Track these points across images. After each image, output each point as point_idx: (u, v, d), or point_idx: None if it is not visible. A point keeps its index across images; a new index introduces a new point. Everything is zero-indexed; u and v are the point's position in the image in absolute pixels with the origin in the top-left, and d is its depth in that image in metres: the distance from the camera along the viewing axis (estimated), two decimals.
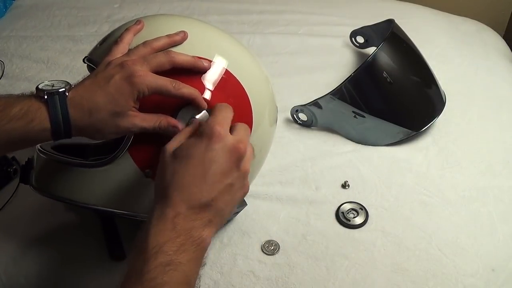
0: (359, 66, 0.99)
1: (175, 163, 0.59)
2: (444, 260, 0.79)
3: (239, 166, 0.60)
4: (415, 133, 1.00)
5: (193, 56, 0.68)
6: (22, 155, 0.84)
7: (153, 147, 0.66)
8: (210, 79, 0.69)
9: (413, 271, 0.77)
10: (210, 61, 0.70)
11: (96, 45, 0.74)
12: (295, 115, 1.04)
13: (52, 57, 1.26)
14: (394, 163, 0.96)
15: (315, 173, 0.94)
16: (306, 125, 1.04)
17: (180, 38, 0.69)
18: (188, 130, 0.63)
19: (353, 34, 1.28)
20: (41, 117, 0.61)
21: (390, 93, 1.01)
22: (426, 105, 1.04)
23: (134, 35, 0.70)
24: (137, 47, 0.67)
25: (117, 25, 0.77)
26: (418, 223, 0.84)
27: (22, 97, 0.63)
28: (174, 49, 0.68)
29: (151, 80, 0.63)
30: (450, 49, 1.30)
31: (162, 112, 0.66)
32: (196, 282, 0.57)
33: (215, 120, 0.61)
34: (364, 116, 0.98)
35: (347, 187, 0.91)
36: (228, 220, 0.83)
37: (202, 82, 0.68)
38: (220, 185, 0.59)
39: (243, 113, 0.72)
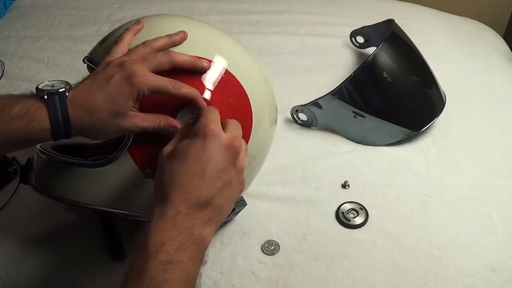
0: (359, 66, 0.99)
1: (172, 164, 0.60)
2: (444, 260, 0.79)
3: (235, 163, 0.61)
4: (415, 133, 1.00)
5: (193, 56, 0.68)
6: (22, 155, 0.84)
7: (153, 147, 0.66)
8: (210, 79, 0.69)
9: (413, 271, 0.77)
10: (210, 61, 0.70)
11: (96, 45, 0.74)
12: (295, 115, 1.04)
13: (52, 57, 1.26)
14: (394, 163, 0.96)
15: (315, 173, 0.94)
16: (306, 125, 1.04)
17: (180, 38, 0.69)
18: (182, 132, 0.63)
19: (353, 34, 1.28)
20: (41, 117, 0.61)
21: (390, 93, 1.01)
22: (426, 105, 1.04)
23: (134, 35, 0.70)
24: (137, 47, 0.67)
25: (117, 25, 0.77)
26: (418, 223, 0.84)
27: (22, 97, 0.63)
28: (174, 49, 0.68)
29: (151, 80, 0.63)
30: (450, 49, 1.30)
31: (162, 112, 0.66)
32: (197, 280, 0.57)
33: (207, 119, 0.62)
34: (364, 116, 0.98)
35: (347, 187, 0.91)
36: (228, 220, 0.83)
37: (202, 82, 0.68)
38: (219, 183, 0.60)
39: (243, 113, 0.72)
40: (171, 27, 0.71)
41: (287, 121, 1.05)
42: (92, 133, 0.65)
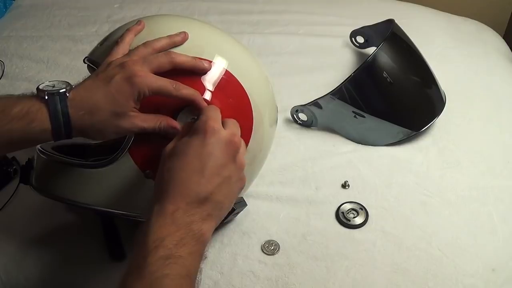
0: (359, 66, 0.99)
1: (172, 161, 0.60)
2: (444, 260, 0.79)
3: (235, 159, 0.62)
4: (415, 133, 1.00)
5: (194, 57, 0.68)
6: (22, 155, 0.84)
7: (153, 148, 0.66)
8: (210, 79, 0.69)
9: (413, 271, 0.77)
10: (210, 62, 0.70)
11: (97, 45, 0.74)
12: (295, 115, 1.04)
13: (52, 57, 1.26)
14: (394, 163, 0.96)
15: (315, 173, 0.94)
16: (306, 125, 1.04)
17: (180, 38, 0.69)
18: (183, 131, 0.64)
19: (353, 34, 1.28)
20: (41, 118, 0.61)
21: (390, 93, 1.01)
22: (426, 105, 1.04)
23: (135, 35, 0.71)
24: (137, 47, 0.67)
25: (117, 25, 0.77)
26: (418, 223, 0.84)
27: (23, 97, 0.63)
28: (175, 50, 0.68)
29: (151, 81, 0.63)
30: (450, 49, 1.30)
31: (162, 113, 0.66)
32: (198, 276, 0.57)
33: (207, 117, 0.62)
34: (364, 116, 0.98)
35: (347, 187, 0.91)
36: (229, 221, 0.83)
37: (202, 83, 0.69)
38: (218, 178, 0.60)
39: (244, 114, 0.72)
40: (171, 27, 0.71)
41: (287, 121, 1.05)
42: (93, 133, 0.65)
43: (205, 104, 0.67)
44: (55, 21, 1.42)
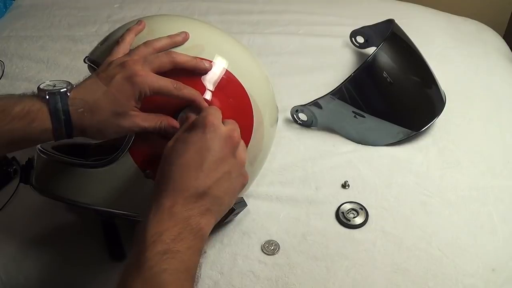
0: (359, 66, 0.99)
1: (171, 155, 0.60)
2: (444, 260, 0.79)
3: (234, 154, 0.62)
4: (415, 133, 1.00)
5: (195, 57, 0.68)
6: (22, 155, 0.84)
7: (154, 148, 0.66)
8: (211, 79, 0.69)
9: (413, 271, 0.77)
10: (211, 62, 0.70)
11: (97, 45, 0.75)
12: (295, 115, 1.04)
13: (52, 57, 1.26)
14: (394, 163, 0.96)
15: (315, 173, 0.94)
16: (306, 125, 1.04)
17: (181, 38, 0.69)
18: (185, 126, 0.64)
19: (353, 34, 1.28)
20: (42, 117, 0.61)
21: (390, 93, 1.01)
22: (426, 105, 1.04)
23: (136, 35, 0.71)
24: (138, 47, 0.67)
25: (117, 25, 0.77)
26: (418, 223, 0.84)
27: (24, 97, 0.63)
28: (175, 50, 0.68)
29: (152, 81, 0.63)
30: (450, 49, 1.30)
31: (163, 113, 0.66)
32: (197, 271, 0.57)
33: (207, 112, 0.62)
34: (364, 116, 0.98)
35: (347, 187, 0.91)
36: (229, 221, 0.83)
37: (203, 83, 0.69)
38: (217, 173, 0.60)
39: (244, 114, 0.72)
40: (172, 27, 0.71)
41: (287, 121, 1.05)
42: (93, 133, 0.65)
43: (206, 104, 0.67)
44: (55, 21, 1.42)
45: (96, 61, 0.71)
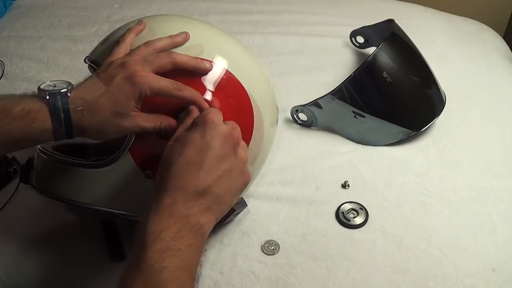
0: (359, 66, 0.99)
1: (171, 154, 0.60)
2: (444, 260, 0.79)
3: (235, 152, 0.61)
4: (415, 133, 1.00)
5: (195, 57, 0.68)
6: (22, 155, 0.84)
7: (154, 148, 0.66)
8: (211, 80, 0.69)
9: (413, 271, 0.77)
10: (211, 62, 0.70)
11: (98, 45, 0.75)
12: (295, 115, 1.04)
13: (52, 57, 1.26)
14: (394, 163, 0.96)
15: (315, 173, 0.94)
16: (306, 125, 1.04)
17: (182, 39, 0.69)
18: (185, 124, 0.64)
19: (353, 34, 1.28)
20: (42, 118, 0.61)
21: (390, 93, 1.01)
22: (426, 105, 1.04)
23: (136, 35, 0.71)
24: (139, 47, 0.67)
25: (117, 25, 0.77)
26: (418, 223, 0.84)
27: (24, 97, 0.63)
28: (175, 50, 0.68)
29: (153, 81, 0.63)
30: (450, 49, 1.30)
31: (163, 113, 0.66)
32: (198, 269, 0.57)
33: (208, 111, 0.62)
34: (364, 116, 0.98)
35: (347, 187, 0.91)
36: (229, 221, 0.83)
37: (203, 83, 0.69)
38: (217, 171, 0.59)
39: (244, 114, 0.72)
40: (172, 27, 0.71)
41: (287, 121, 1.05)
42: (94, 133, 0.65)
43: (206, 104, 0.67)
44: (55, 21, 1.42)
45: (97, 61, 0.71)
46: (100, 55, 0.71)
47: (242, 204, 0.80)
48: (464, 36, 1.38)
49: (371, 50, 1.23)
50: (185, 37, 0.70)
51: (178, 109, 0.67)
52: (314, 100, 0.99)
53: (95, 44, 0.76)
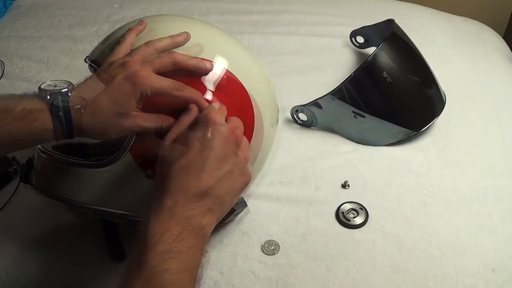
0: (359, 66, 0.99)
1: (172, 153, 0.60)
2: (444, 260, 0.79)
3: (237, 152, 0.61)
4: (415, 133, 1.00)
5: (196, 58, 0.68)
6: (22, 155, 0.84)
7: (155, 149, 0.66)
8: (211, 79, 0.69)
9: (413, 271, 0.77)
10: (211, 62, 0.70)
11: (98, 45, 0.75)
12: (295, 115, 1.04)
13: (52, 57, 1.26)
14: (394, 163, 0.96)
15: (315, 173, 0.94)
16: (306, 125, 1.04)
17: (182, 39, 0.69)
18: (183, 122, 0.63)
19: (353, 34, 1.28)
20: (43, 118, 0.61)
21: (390, 93, 1.01)
22: (426, 105, 1.04)
23: (137, 35, 0.71)
24: (139, 47, 0.67)
25: (117, 25, 0.77)
26: (418, 223, 0.84)
27: (25, 97, 0.63)
28: (175, 50, 0.68)
29: (153, 81, 0.63)
30: (450, 49, 1.30)
31: (164, 113, 0.66)
32: (199, 271, 0.57)
33: (209, 110, 0.62)
34: (364, 116, 0.98)
35: (347, 187, 0.91)
36: (229, 221, 0.83)
37: (204, 83, 0.69)
38: (219, 172, 0.59)
39: (245, 114, 0.72)
40: (172, 27, 0.71)
41: (287, 121, 1.05)
42: (94, 133, 0.65)
43: (207, 104, 0.67)
44: (55, 21, 1.42)
45: (97, 61, 0.71)
46: (100, 55, 0.71)
47: (242, 204, 0.80)
48: (464, 36, 1.38)
49: (371, 50, 1.23)
50: (186, 37, 0.70)
51: (179, 109, 0.67)
52: (314, 100, 0.99)
53: (95, 44, 0.76)
